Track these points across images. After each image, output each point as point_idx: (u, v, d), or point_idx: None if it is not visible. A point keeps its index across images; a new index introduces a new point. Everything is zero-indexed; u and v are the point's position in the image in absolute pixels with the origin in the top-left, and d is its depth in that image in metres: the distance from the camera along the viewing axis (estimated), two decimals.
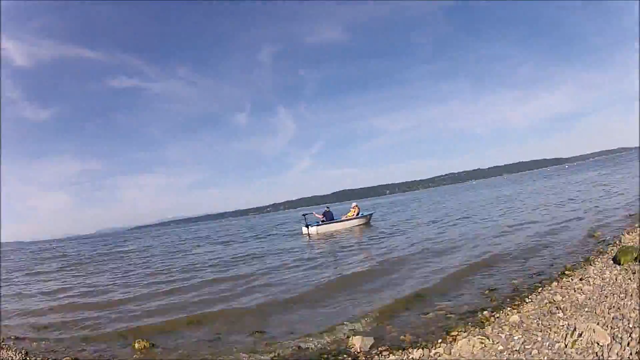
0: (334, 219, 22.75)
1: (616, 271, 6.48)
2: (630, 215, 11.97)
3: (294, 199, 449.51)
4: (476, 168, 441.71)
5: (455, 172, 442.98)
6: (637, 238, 8.31)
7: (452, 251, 11.20)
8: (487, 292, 6.97)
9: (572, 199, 20.48)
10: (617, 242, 8.56)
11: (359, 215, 23.44)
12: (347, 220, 22.93)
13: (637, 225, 9.96)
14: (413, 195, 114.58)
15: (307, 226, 22.08)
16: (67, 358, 6.11)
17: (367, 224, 23.58)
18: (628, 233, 9.11)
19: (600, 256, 7.83)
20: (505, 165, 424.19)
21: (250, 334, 6.34)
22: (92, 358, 6.13)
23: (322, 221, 22.53)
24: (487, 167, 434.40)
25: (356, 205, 24.25)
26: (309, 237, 21.06)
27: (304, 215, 23.29)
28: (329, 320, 6.46)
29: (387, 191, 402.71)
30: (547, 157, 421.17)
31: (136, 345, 6.26)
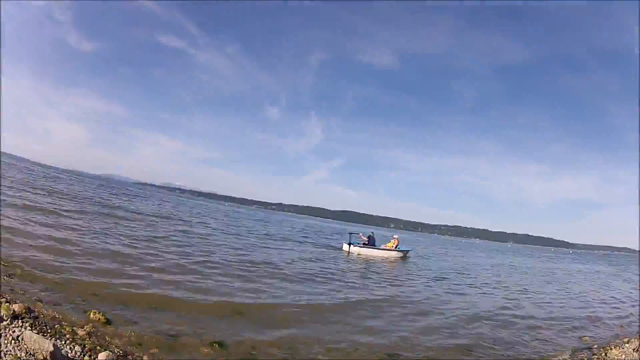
0: (375, 245, 23.64)
1: None
2: (621, 326, 11.50)
3: (300, 204, 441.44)
4: (484, 228, 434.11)
5: (462, 225, 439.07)
6: (623, 357, 7.90)
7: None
8: None
9: (566, 289, 19.92)
10: (604, 356, 8.16)
11: (398, 248, 24.28)
12: (387, 250, 23.82)
13: (626, 340, 9.53)
14: (415, 236, 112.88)
15: (349, 244, 23.17)
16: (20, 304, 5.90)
17: (404, 257, 24.35)
18: (615, 347, 8.67)
19: None
20: (512, 233, 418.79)
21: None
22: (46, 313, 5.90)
23: (365, 244, 23.46)
24: (494, 230, 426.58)
25: (397, 238, 24.88)
26: (349, 254, 22.31)
27: (350, 233, 25.12)
28: None
29: (392, 225, 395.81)
30: (555, 238, 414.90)
31: (91, 315, 6.04)
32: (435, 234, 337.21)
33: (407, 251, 25.30)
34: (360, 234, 24.79)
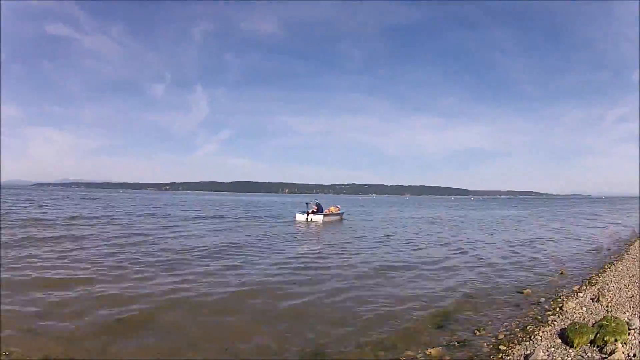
0: (322, 211, 27.09)
1: (570, 358, 4.71)
2: (561, 273, 10.41)
3: (193, 181, 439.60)
4: (380, 183, 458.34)
5: (357, 183, 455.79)
6: (584, 309, 6.52)
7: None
8: None
9: (487, 235, 19.83)
10: (558, 310, 6.79)
11: (340, 212, 29.33)
12: (332, 214, 28.13)
13: (576, 288, 8.38)
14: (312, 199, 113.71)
15: (307, 213, 26.73)
16: None
17: (341, 218, 29.28)
18: (569, 299, 7.37)
19: (541, 327, 6.08)
20: (409, 186, 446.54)
21: None
22: None
23: (314, 211, 26.88)
24: (390, 185, 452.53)
25: (338, 206, 30.23)
26: (310, 222, 25.88)
27: (307, 203, 28.28)
28: None
29: (287, 190, 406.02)
30: (452, 186, 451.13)
31: None
32: (331, 194, 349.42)
33: (342, 213, 30.01)
34: (311, 203, 27.92)
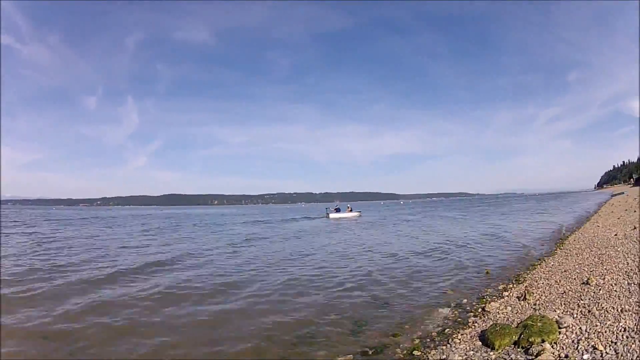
0: (340, 211, 41.28)
1: None
2: (487, 272, 9.64)
3: (124, 195, 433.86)
4: (308, 192, 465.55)
5: (286, 192, 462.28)
6: (509, 309, 5.75)
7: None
8: None
9: (408, 239, 18.77)
10: (480, 311, 6.04)
11: (355, 211, 42.34)
12: (350, 212, 41.39)
13: (502, 286, 7.68)
14: (244, 210, 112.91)
15: (328, 213, 40.91)
16: None
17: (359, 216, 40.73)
18: (493, 299, 6.63)
19: (461, 329, 5.43)
20: (337, 192, 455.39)
21: None
22: None
23: (335, 210, 41.69)
24: (318, 192, 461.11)
25: (349, 206, 45.37)
26: (331, 219, 38.39)
27: (333, 207, 43.23)
28: None
29: (215, 201, 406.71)
30: (382, 192, 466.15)
31: None
32: (260, 204, 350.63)
33: (360, 212, 43.49)
34: (332, 208, 42.69)
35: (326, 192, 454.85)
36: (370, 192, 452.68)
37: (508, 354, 4.16)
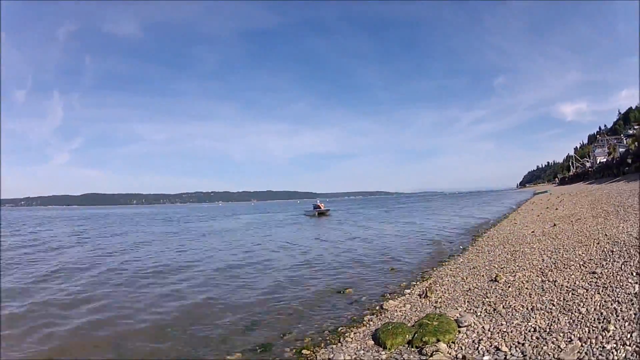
0: (320, 208, 43.22)
1: None
2: (391, 269, 9.26)
3: (46, 195, 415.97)
4: (225, 190, 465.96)
5: (204, 191, 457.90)
6: (408, 307, 5.43)
7: None
8: None
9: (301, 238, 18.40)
10: (378, 309, 5.69)
11: (326, 208, 44.75)
12: (324, 209, 43.49)
13: (404, 284, 7.40)
14: (160, 209, 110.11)
15: (314, 208, 43.65)
16: None
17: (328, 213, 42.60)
18: (393, 297, 6.30)
19: (355, 328, 5.09)
20: (255, 192, 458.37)
21: None
22: None
23: (316, 207, 43.69)
24: (236, 191, 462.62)
25: (321, 203, 46.43)
26: (317, 215, 40.62)
27: (314, 205, 44.94)
28: None
29: (134, 201, 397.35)
30: (299, 190, 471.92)
31: None
32: (179, 203, 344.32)
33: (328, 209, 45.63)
34: (316, 204, 44.47)
35: (244, 191, 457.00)
36: (288, 191, 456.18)
37: (401, 354, 3.88)
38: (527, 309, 4.50)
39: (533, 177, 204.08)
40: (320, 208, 42.72)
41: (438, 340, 3.92)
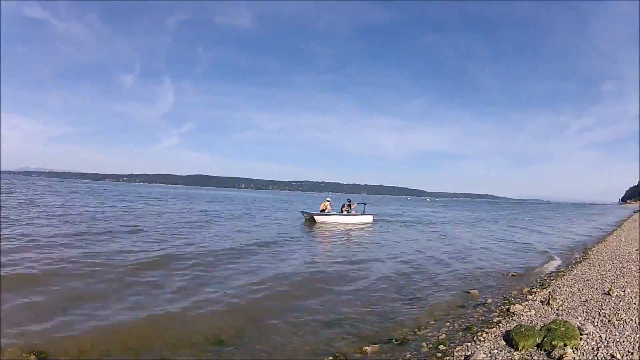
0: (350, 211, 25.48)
1: None
2: (512, 275, 9.98)
3: (151, 173, 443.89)
4: (336, 181, 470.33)
5: (314, 180, 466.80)
6: (533, 312, 6.01)
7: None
8: None
9: (439, 238, 19.27)
10: (505, 311, 6.28)
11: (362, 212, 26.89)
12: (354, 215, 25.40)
13: (526, 290, 7.92)
14: (271, 195, 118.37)
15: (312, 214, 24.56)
16: None
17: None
18: (517, 301, 6.88)
19: (485, 328, 5.62)
20: (365, 185, 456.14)
21: None
22: None
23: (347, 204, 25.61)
24: (346, 183, 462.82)
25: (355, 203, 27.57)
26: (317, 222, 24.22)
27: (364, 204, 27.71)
28: None
29: (242, 185, 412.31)
30: (410, 187, 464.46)
31: None
32: (287, 190, 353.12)
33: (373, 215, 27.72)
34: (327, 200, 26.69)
35: (354, 184, 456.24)
36: (397, 187, 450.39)
37: (531, 355, 4.39)
38: (635, 322, 5.14)
39: (634, 193, 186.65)
40: (324, 211, 24.09)
41: (565, 345, 4.44)
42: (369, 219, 25.61)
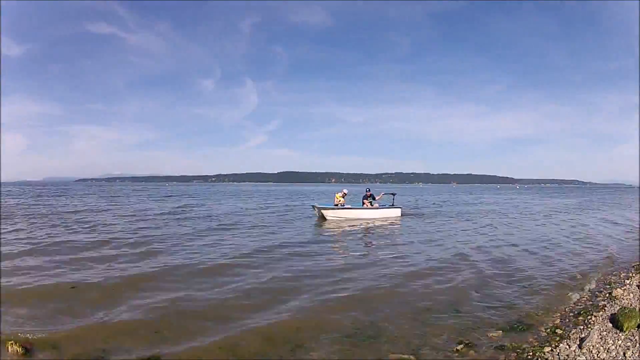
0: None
1: (620, 341, 5.23)
2: (609, 259, 11.04)
3: (240, 172, 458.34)
4: (425, 172, 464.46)
5: (404, 172, 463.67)
6: (632, 295, 7.19)
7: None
8: (453, 349, 5.40)
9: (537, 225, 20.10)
10: (608, 295, 7.42)
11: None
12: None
13: (623, 275, 8.97)
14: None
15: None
16: None
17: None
18: (617, 286, 8.01)
19: (594, 312, 6.58)
20: (455, 174, 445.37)
21: None
22: None
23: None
24: (435, 173, 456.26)
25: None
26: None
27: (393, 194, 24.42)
28: None
29: (333, 179, 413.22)
30: (498, 175, 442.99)
31: (9, 347, 5.21)
32: (378, 183, 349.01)
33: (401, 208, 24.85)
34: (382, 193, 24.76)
35: (444, 173, 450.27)
36: (487, 175, 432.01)
37: (633, 335, 5.18)
38: None
39: None
40: (339, 204, 21.67)
41: None
42: (394, 212, 22.88)
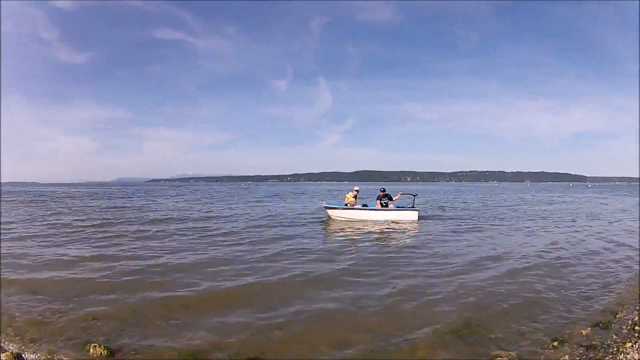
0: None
1: None
2: None
3: (315, 172, 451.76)
4: (499, 170, 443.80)
5: (478, 170, 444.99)
6: None
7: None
8: (549, 346, 5.53)
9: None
10: None
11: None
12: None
13: None
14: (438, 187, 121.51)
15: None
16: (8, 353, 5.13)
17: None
18: None
19: None
20: (528, 172, 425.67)
21: None
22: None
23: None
24: (510, 171, 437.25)
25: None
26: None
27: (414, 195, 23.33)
28: None
29: (408, 178, 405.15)
30: (571, 173, 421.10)
31: (90, 350, 5.07)
32: (453, 182, 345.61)
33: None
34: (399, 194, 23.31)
35: (518, 171, 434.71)
36: (560, 173, 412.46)
37: None
38: None
39: None
40: (349, 204, 21.08)
41: None
42: (409, 216, 20.92)
